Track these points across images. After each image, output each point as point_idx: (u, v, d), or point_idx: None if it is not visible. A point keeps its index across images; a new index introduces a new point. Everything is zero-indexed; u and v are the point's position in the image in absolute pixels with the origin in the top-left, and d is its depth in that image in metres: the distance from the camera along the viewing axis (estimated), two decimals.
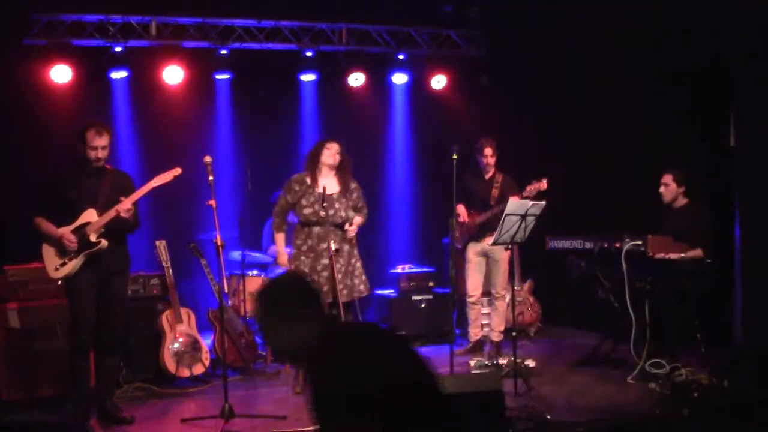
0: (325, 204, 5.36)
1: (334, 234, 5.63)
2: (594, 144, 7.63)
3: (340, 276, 5.56)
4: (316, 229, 5.63)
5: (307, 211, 5.64)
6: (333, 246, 5.10)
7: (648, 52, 6.88)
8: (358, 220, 5.78)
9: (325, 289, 5.52)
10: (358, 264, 5.82)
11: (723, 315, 6.09)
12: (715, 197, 6.25)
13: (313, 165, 5.77)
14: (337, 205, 5.67)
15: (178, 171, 5.09)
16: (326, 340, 1.78)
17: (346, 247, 5.72)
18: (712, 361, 5.50)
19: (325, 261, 5.57)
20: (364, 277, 5.85)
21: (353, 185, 5.84)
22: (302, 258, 5.66)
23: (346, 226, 5.67)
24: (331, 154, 5.73)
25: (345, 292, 5.66)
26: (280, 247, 5.87)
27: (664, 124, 6.82)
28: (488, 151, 6.78)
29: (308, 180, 5.73)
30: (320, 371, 1.73)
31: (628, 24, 6.89)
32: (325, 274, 5.58)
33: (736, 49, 5.76)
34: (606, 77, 7.25)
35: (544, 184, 6.19)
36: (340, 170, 5.77)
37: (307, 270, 5.59)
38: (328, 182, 5.73)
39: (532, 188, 6.22)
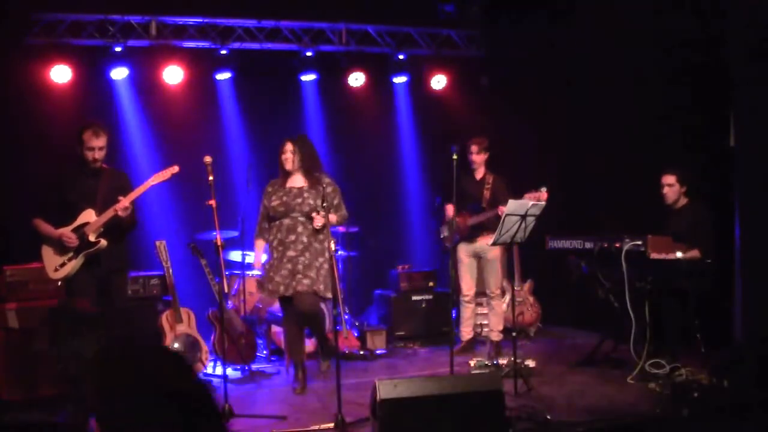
0: (324, 204, 5.37)
1: (303, 227, 5.64)
2: (593, 144, 7.62)
3: (297, 269, 5.58)
4: (286, 221, 5.67)
5: (275, 203, 5.70)
6: (333, 246, 5.10)
7: (648, 52, 6.88)
8: (331, 217, 5.63)
9: (287, 282, 5.56)
10: (326, 266, 5.60)
11: (723, 315, 6.08)
12: (715, 197, 6.24)
13: (281, 169, 5.84)
14: (305, 195, 5.68)
15: (175, 169, 5.11)
16: (102, 358, 1.86)
17: (315, 245, 5.67)
18: (712, 361, 5.50)
19: (292, 253, 5.60)
20: (324, 281, 5.62)
21: (326, 180, 5.80)
22: (274, 254, 5.71)
23: (314, 215, 5.62)
24: (286, 157, 5.77)
25: (294, 284, 5.61)
26: (257, 252, 5.93)
27: (664, 124, 6.81)
28: (474, 148, 6.79)
29: (280, 182, 5.82)
30: (99, 386, 1.81)
31: (628, 24, 6.88)
32: (289, 266, 5.60)
33: (736, 49, 5.75)
34: (606, 77, 7.25)
35: (544, 194, 5.92)
36: (304, 168, 5.77)
37: (276, 268, 5.63)
38: (296, 179, 5.79)
39: (531, 197, 6.08)
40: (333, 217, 5.71)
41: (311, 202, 5.66)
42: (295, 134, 6.06)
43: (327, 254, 5.63)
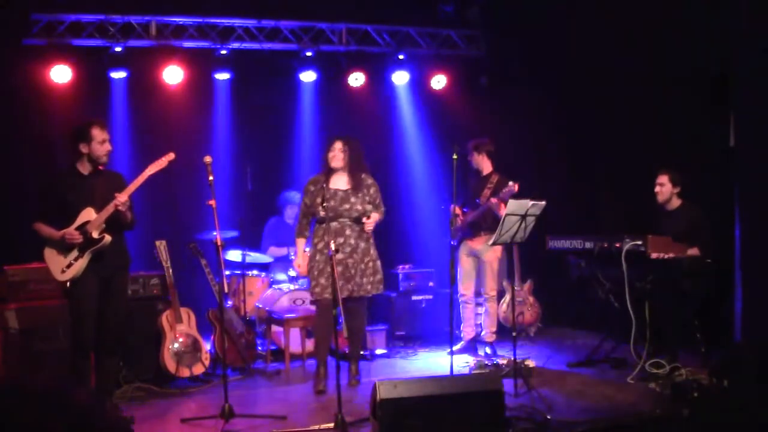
0: (325, 204, 5.37)
1: (351, 229, 5.71)
2: (594, 144, 7.62)
3: (349, 273, 5.65)
4: (333, 224, 5.69)
5: (319, 207, 5.68)
6: (333, 246, 5.08)
7: (648, 52, 6.88)
8: (375, 216, 5.81)
9: (339, 284, 5.51)
10: (371, 264, 5.81)
11: (723, 315, 6.09)
12: (714, 197, 6.24)
13: (325, 165, 5.86)
14: (352, 200, 5.74)
15: (171, 156, 5.07)
16: None
17: (361, 245, 5.76)
18: (712, 361, 5.50)
19: (340, 256, 5.61)
20: (376, 277, 5.85)
21: (369, 181, 5.87)
22: (317, 257, 5.74)
23: (364, 220, 5.72)
24: (333, 155, 5.79)
25: (350, 287, 5.71)
26: (299, 251, 5.95)
27: (664, 124, 6.81)
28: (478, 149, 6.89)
29: (322, 179, 5.83)
30: None
31: (628, 24, 6.88)
32: (339, 269, 5.56)
33: (736, 49, 5.75)
34: (606, 77, 7.25)
35: (514, 187, 6.19)
36: (351, 167, 5.81)
37: (322, 271, 5.65)
38: (340, 179, 5.80)
39: (505, 191, 6.25)
40: (377, 215, 5.86)
41: (359, 207, 5.74)
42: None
43: (372, 251, 5.84)
